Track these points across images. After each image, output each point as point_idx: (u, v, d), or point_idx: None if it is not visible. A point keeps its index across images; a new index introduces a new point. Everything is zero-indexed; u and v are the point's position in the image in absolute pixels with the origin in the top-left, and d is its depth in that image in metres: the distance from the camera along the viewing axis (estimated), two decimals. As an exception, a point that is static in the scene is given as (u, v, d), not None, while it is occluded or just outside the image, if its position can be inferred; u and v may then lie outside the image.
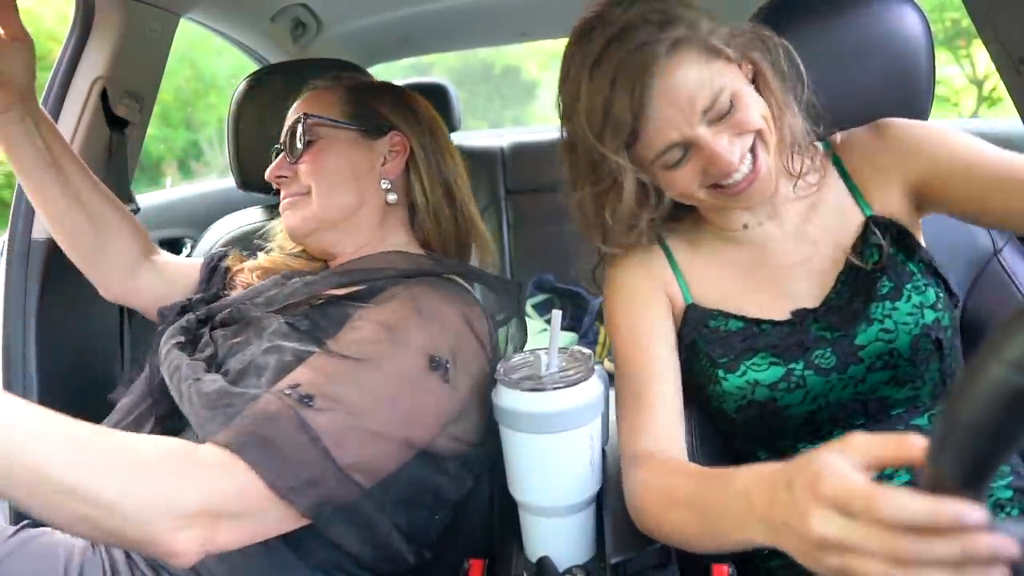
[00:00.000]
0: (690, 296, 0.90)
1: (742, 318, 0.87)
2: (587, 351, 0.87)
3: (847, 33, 0.99)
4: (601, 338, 1.84)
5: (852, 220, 0.88)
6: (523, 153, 2.41)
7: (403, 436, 0.80)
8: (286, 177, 0.99)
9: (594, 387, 0.83)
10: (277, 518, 0.73)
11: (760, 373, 0.84)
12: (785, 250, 0.88)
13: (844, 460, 0.48)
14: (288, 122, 1.00)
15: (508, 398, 0.82)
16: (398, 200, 1.00)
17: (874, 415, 0.85)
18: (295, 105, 1.02)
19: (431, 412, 0.83)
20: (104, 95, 1.22)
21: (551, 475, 0.83)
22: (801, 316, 0.85)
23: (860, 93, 1.00)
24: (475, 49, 2.88)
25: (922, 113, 1.02)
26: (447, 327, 0.86)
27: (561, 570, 0.84)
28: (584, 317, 1.93)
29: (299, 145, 0.97)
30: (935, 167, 0.86)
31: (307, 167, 0.97)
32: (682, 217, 0.92)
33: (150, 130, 1.42)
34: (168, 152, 3.89)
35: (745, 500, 0.58)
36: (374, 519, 0.82)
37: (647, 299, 0.89)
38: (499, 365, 0.86)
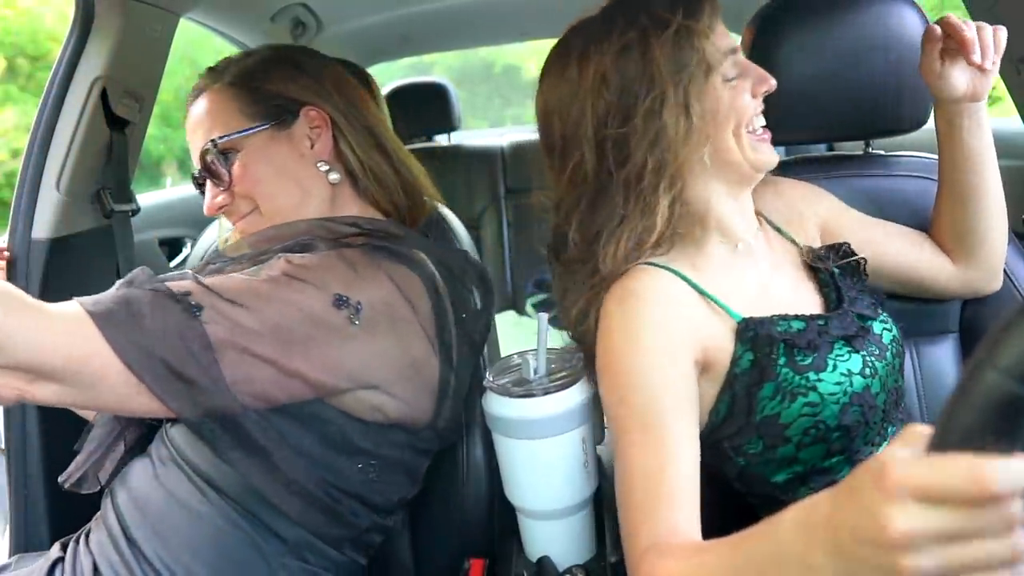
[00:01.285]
0: (735, 312, 0.79)
1: (799, 317, 0.80)
2: (575, 352, 0.87)
3: (847, 33, 0.99)
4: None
5: (791, 247, 0.91)
6: (523, 152, 2.41)
7: (296, 368, 0.76)
8: (227, 205, 0.93)
9: (584, 390, 0.83)
10: (125, 396, 0.72)
11: (848, 363, 0.78)
12: (775, 263, 0.88)
13: (907, 450, 0.41)
14: (195, 149, 0.94)
15: (498, 405, 0.82)
16: (341, 175, 0.95)
17: (898, 405, 0.86)
18: (193, 122, 0.95)
19: (335, 354, 0.78)
20: (104, 95, 1.22)
21: (545, 479, 0.83)
22: (836, 312, 0.83)
23: (860, 94, 1.00)
24: (475, 48, 2.87)
25: (922, 113, 1.02)
26: (366, 278, 0.82)
27: (561, 570, 0.84)
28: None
29: (222, 172, 0.91)
30: (836, 209, 0.95)
31: (240, 188, 0.92)
32: (676, 244, 0.82)
33: (150, 130, 1.42)
34: (168, 152, 3.88)
35: (803, 534, 0.48)
36: (275, 454, 0.80)
37: (671, 337, 0.75)
38: (488, 372, 0.86)
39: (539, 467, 0.83)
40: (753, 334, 0.77)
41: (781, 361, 0.77)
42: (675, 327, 0.76)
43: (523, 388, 0.82)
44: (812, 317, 0.80)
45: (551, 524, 0.86)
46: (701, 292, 0.79)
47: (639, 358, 0.74)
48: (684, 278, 0.80)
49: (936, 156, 1.07)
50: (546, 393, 0.81)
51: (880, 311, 0.86)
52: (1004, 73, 1.09)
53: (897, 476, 0.39)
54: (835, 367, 0.78)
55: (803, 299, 0.86)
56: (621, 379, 0.74)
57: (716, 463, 0.79)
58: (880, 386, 0.80)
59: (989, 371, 0.37)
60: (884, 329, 0.85)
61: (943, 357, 1.05)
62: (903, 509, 0.39)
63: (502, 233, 2.32)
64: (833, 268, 0.87)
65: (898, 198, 1.04)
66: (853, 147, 1.13)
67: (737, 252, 0.84)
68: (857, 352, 0.80)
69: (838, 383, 0.77)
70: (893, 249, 0.95)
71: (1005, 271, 1.01)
